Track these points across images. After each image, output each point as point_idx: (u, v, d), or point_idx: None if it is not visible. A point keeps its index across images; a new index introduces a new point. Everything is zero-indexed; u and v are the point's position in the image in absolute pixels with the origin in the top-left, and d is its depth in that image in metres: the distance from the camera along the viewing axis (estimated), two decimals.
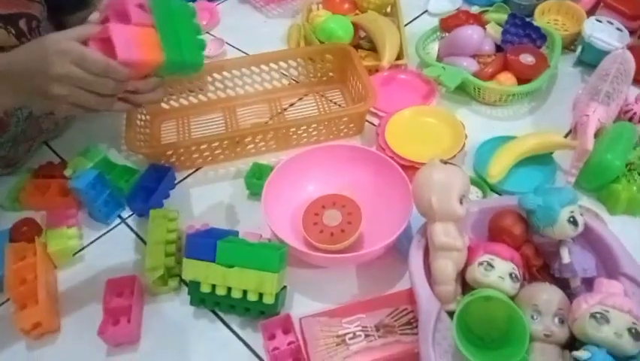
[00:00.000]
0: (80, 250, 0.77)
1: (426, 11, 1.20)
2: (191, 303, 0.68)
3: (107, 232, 0.80)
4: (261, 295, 0.64)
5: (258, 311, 0.66)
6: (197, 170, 0.89)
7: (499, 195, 0.81)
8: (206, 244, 0.65)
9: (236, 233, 0.72)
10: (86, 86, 0.57)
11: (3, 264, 0.70)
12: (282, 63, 0.99)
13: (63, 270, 0.75)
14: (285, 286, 0.69)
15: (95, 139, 0.94)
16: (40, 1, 0.78)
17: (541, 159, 0.83)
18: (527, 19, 1.00)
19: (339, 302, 0.69)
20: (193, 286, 0.67)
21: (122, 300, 0.68)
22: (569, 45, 1.05)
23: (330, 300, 0.69)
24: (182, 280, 0.72)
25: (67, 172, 0.84)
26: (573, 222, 0.61)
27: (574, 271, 0.61)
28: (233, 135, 0.88)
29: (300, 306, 0.69)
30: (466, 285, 0.64)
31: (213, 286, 0.65)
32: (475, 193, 0.81)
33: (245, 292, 0.64)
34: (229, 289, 0.65)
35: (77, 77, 0.56)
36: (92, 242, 0.79)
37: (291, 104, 1.00)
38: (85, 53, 0.55)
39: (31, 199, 0.81)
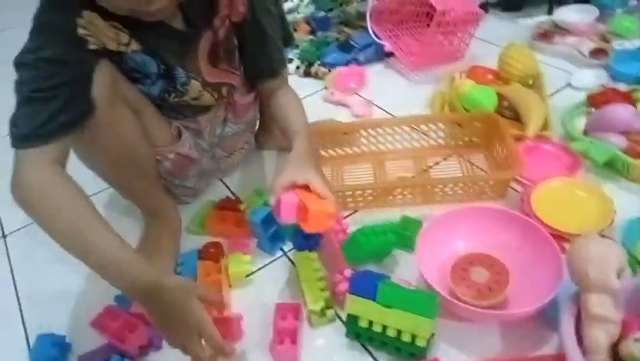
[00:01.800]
0: (250, 275, 0.90)
1: (569, 85, 1.24)
2: (347, 335, 0.77)
3: (272, 261, 0.93)
4: (413, 338, 0.71)
5: (408, 353, 0.72)
6: (348, 215, 1.00)
7: None
8: (369, 283, 0.74)
9: (388, 277, 0.80)
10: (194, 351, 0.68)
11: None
12: (431, 125, 1.09)
13: (235, 289, 0.88)
14: (433, 333, 0.74)
15: (261, 180, 1.10)
16: (240, 73, 0.96)
17: None
18: None
19: (483, 356, 0.73)
20: (351, 320, 0.75)
21: (287, 323, 0.78)
22: None
23: (474, 353, 0.74)
24: (335, 313, 0.81)
25: (242, 207, 0.98)
26: None
27: None
28: (387, 186, 0.98)
29: (443, 354, 0.74)
30: (616, 358, 0.65)
31: (370, 323, 0.73)
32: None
33: (399, 332, 0.71)
34: (384, 327, 0.72)
35: (195, 345, 0.68)
36: (259, 269, 0.92)
37: (436, 163, 1.08)
38: (212, 334, 0.67)
39: (213, 226, 0.97)
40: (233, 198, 1.05)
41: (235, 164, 1.11)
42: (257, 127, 1.15)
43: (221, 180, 1.12)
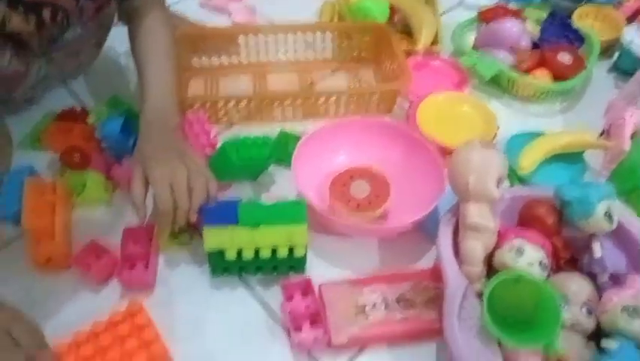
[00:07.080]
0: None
1: (461, 3, 1.20)
2: (213, 274, 0.67)
3: None
4: (291, 250, 0.63)
5: (288, 267, 0.65)
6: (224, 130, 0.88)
7: None
8: (227, 207, 0.63)
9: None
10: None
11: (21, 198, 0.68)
12: (318, 34, 0.98)
13: (83, 210, 0.74)
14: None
15: (116, 88, 0.92)
16: None
17: (570, 158, 0.82)
18: (567, 20, 0.99)
19: (360, 273, 0.68)
20: (214, 257, 0.64)
21: (139, 247, 0.67)
22: (604, 52, 1.04)
23: (351, 269, 0.68)
24: (191, 236, 0.71)
25: (90, 120, 0.81)
26: (609, 217, 0.60)
27: (604, 266, 0.60)
28: (263, 96, 0.87)
29: (320, 272, 0.68)
30: (490, 268, 0.63)
31: (239, 251, 0.63)
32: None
33: (274, 250, 0.63)
34: (256, 250, 0.63)
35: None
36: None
37: (322, 78, 0.98)
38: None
39: (54, 140, 0.80)
40: (79, 109, 0.86)
41: (85, 64, 0.90)
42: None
43: (67, 87, 0.93)
